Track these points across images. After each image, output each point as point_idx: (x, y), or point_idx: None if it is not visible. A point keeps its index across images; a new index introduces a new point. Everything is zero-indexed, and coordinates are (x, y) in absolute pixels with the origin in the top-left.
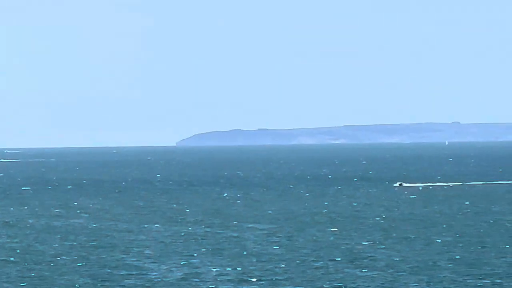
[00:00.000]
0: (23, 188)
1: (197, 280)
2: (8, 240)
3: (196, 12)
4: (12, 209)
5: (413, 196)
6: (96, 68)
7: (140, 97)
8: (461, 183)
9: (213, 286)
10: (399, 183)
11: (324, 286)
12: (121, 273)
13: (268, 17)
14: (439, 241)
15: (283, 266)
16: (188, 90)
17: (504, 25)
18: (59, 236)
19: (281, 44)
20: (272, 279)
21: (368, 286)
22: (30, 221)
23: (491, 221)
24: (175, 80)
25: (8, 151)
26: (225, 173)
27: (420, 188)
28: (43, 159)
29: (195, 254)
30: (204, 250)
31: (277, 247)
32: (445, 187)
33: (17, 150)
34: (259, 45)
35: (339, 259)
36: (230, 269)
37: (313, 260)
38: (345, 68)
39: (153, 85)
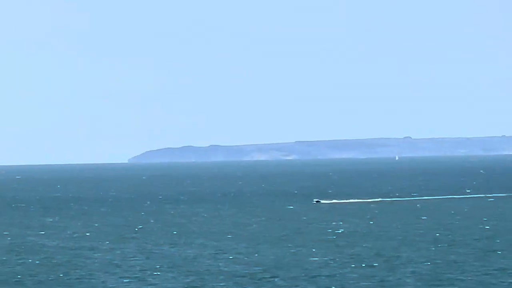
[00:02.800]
0: None
1: None
2: None
3: (140, 16)
4: None
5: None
6: (44, 82)
7: (91, 113)
8: (380, 199)
9: None
10: (316, 200)
11: None
12: None
13: (218, 29)
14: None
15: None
16: (139, 106)
17: (453, 41)
18: (17, 255)
19: (232, 59)
20: None
21: None
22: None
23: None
24: (126, 96)
25: None
26: (179, 189)
27: (336, 204)
28: None
29: (152, 272)
30: (160, 267)
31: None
32: (362, 204)
33: None
34: (209, 60)
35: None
36: (187, 286)
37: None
38: (297, 83)
39: (104, 101)
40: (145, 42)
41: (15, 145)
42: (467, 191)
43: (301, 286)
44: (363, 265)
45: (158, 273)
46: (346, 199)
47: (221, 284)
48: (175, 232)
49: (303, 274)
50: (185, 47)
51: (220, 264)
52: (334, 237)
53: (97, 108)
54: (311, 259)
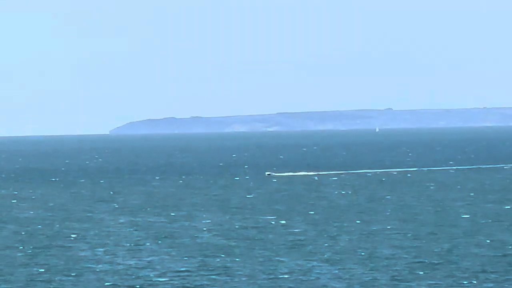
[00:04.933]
0: None
1: (150, 270)
2: None
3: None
4: None
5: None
6: (27, 54)
7: (72, 84)
8: (332, 172)
9: (166, 276)
10: (269, 172)
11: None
12: (75, 264)
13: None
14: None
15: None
16: (121, 77)
17: (435, 13)
18: (9, 227)
19: (213, 28)
20: (223, 269)
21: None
22: None
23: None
24: (107, 67)
25: None
26: (161, 161)
27: (286, 177)
28: None
29: (146, 244)
30: (145, 238)
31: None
32: (314, 177)
33: None
34: (190, 30)
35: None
36: (179, 258)
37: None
38: (277, 54)
39: (85, 72)
40: (125, 13)
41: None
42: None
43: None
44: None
45: (145, 244)
46: (299, 172)
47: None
48: (158, 204)
49: (282, 243)
50: (164, 17)
51: (204, 235)
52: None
53: (78, 78)
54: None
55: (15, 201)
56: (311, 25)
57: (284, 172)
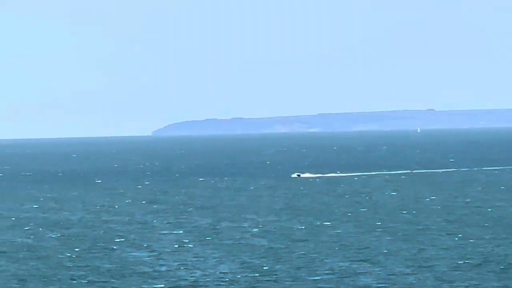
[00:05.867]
0: None
1: (194, 271)
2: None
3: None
4: None
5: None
6: (68, 58)
7: (115, 86)
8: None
9: (210, 277)
10: (297, 174)
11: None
12: (119, 266)
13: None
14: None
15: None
16: (163, 80)
17: (477, 15)
18: (55, 230)
19: (251, 33)
20: (270, 272)
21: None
22: (27, 214)
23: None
24: (150, 70)
25: None
26: (203, 162)
27: (317, 179)
28: (20, 151)
29: (190, 245)
30: (189, 240)
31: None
32: (345, 178)
33: None
34: (232, 33)
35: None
36: (223, 259)
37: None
38: (320, 56)
39: (129, 74)
40: (170, 16)
41: (40, 119)
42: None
43: (329, 256)
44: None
45: (190, 245)
46: (325, 173)
47: (246, 256)
48: (202, 206)
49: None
50: (208, 20)
51: (246, 236)
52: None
53: (121, 80)
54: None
55: (59, 203)
56: (355, 25)
57: (314, 173)
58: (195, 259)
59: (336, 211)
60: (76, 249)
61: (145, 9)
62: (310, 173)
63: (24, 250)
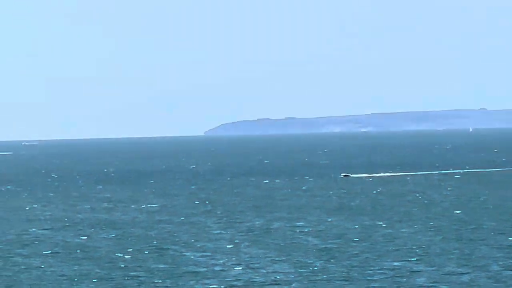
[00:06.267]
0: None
1: (249, 271)
2: (60, 238)
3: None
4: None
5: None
6: (139, 60)
7: (166, 87)
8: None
9: (265, 277)
10: (345, 174)
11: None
12: (173, 267)
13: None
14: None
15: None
16: (216, 79)
17: None
18: (108, 230)
19: (305, 31)
20: (322, 273)
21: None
22: (79, 215)
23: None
24: (203, 70)
25: (26, 143)
26: (256, 162)
27: (369, 179)
28: (62, 151)
29: (244, 246)
30: (244, 240)
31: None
32: (397, 178)
33: (34, 142)
34: (286, 32)
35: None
36: (278, 259)
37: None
38: (373, 55)
39: (181, 74)
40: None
41: (94, 120)
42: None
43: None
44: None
45: (242, 245)
46: (376, 173)
47: (301, 256)
48: (255, 205)
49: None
50: (260, 23)
51: (301, 237)
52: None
53: (173, 81)
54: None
55: (112, 203)
56: (412, 26)
57: (362, 173)
58: (248, 259)
59: (388, 210)
60: (129, 250)
61: (206, 10)
62: (360, 173)
63: (77, 250)
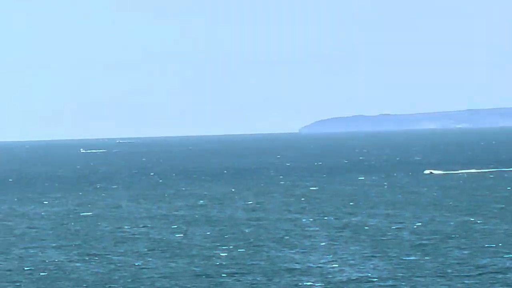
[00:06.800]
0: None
1: (346, 269)
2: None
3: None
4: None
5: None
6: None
7: (263, 82)
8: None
9: (362, 273)
10: (430, 170)
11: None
12: (273, 265)
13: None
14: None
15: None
16: (311, 76)
17: None
18: (205, 227)
19: (398, 31)
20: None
21: None
22: (176, 212)
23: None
24: (297, 65)
25: (120, 141)
26: (360, 158)
27: (464, 175)
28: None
29: (341, 243)
30: (349, 238)
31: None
32: (491, 174)
33: (129, 140)
34: (378, 29)
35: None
36: (375, 256)
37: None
38: (468, 50)
39: (275, 70)
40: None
41: (189, 118)
42: None
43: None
44: None
45: (338, 242)
46: (460, 170)
47: (396, 252)
48: (350, 202)
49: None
50: (353, 20)
51: (397, 233)
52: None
53: (268, 77)
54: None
55: (209, 201)
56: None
57: (447, 170)
58: (344, 255)
59: (483, 206)
60: (225, 247)
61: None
62: (452, 170)
63: (174, 247)
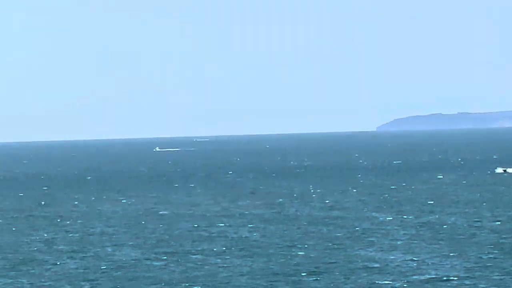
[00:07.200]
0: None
1: (423, 268)
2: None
3: None
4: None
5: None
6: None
7: (340, 81)
8: None
9: (439, 273)
10: (503, 168)
11: None
12: (352, 263)
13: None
14: None
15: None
16: (387, 74)
17: None
18: (282, 225)
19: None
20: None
21: None
22: (254, 211)
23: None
24: (374, 62)
25: (197, 139)
26: (439, 157)
27: None
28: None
29: (417, 242)
30: (427, 237)
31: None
32: None
33: (206, 138)
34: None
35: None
36: (453, 255)
37: None
38: None
39: (354, 68)
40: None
41: (262, 117)
42: None
43: None
44: None
45: (416, 240)
46: None
47: (474, 252)
48: (429, 201)
49: None
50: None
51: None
52: None
53: (347, 75)
54: None
55: (288, 199)
56: None
57: None
58: (423, 254)
59: None
60: (301, 246)
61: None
62: None
63: (251, 246)
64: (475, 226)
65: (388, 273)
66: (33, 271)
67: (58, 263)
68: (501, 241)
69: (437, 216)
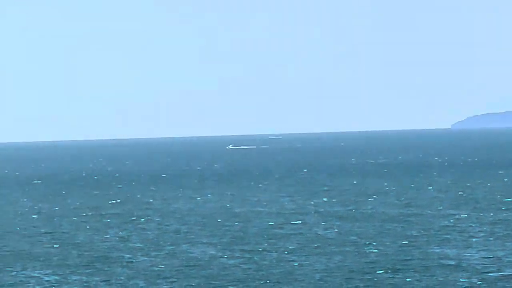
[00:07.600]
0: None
1: (499, 263)
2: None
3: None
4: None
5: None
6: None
7: (415, 79)
8: None
9: (504, 271)
10: None
11: None
12: (427, 260)
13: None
14: None
15: None
16: (462, 72)
17: None
18: (348, 222)
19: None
20: None
21: None
22: (330, 209)
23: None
24: (449, 61)
25: (272, 137)
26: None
27: None
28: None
29: (483, 239)
30: (503, 235)
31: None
32: None
33: (279, 136)
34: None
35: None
36: None
37: None
38: None
39: (434, 67)
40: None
41: (318, 113)
42: None
43: None
44: None
45: (492, 238)
46: None
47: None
48: (507, 199)
49: None
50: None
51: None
52: None
53: (423, 73)
54: None
55: (362, 197)
56: None
57: None
58: (499, 251)
59: None
60: (378, 243)
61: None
62: None
63: (327, 244)
64: None
65: (464, 270)
66: (108, 268)
67: (133, 260)
68: None
69: (505, 214)
